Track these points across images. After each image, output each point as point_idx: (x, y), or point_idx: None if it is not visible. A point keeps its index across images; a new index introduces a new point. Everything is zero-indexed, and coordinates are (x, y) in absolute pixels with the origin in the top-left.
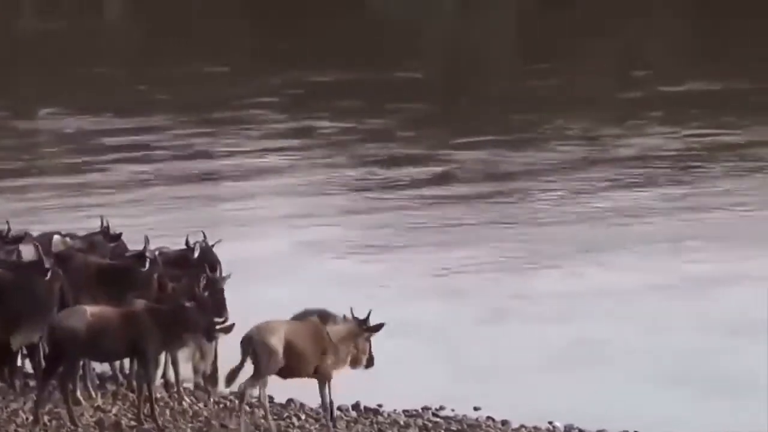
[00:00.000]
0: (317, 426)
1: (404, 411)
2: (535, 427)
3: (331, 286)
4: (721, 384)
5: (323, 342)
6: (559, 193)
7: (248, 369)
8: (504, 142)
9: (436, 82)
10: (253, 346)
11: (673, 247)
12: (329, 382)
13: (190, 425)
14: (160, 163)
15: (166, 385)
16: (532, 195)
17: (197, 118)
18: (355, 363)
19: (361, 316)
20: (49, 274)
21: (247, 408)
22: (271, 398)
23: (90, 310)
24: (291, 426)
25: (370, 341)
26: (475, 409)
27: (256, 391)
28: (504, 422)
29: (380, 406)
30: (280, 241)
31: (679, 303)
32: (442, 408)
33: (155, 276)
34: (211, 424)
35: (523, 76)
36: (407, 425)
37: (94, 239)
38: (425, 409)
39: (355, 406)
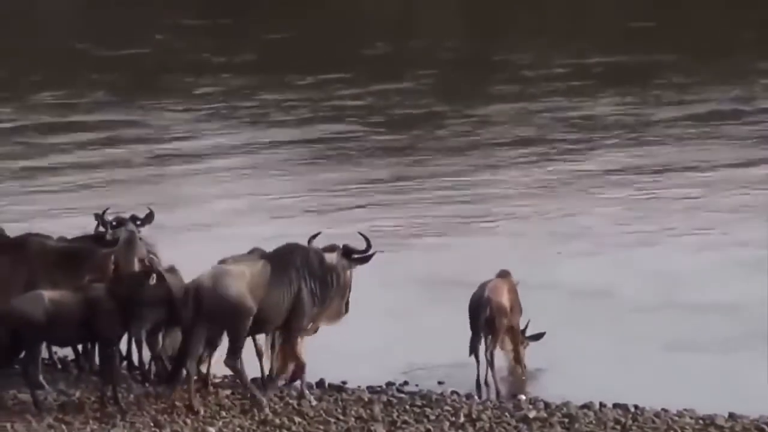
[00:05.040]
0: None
1: (368, 387)
2: (500, 401)
3: None
4: None
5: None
6: None
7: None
8: None
9: None
10: (489, 306)
11: None
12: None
13: (154, 407)
14: None
15: (129, 367)
16: None
17: None
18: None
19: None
20: None
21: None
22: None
23: (47, 295)
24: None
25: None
26: (440, 383)
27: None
28: (468, 396)
29: (344, 383)
30: None
31: None
32: (406, 383)
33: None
34: (175, 406)
35: None
36: (371, 401)
37: None
38: (389, 384)
39: (320, 384)
